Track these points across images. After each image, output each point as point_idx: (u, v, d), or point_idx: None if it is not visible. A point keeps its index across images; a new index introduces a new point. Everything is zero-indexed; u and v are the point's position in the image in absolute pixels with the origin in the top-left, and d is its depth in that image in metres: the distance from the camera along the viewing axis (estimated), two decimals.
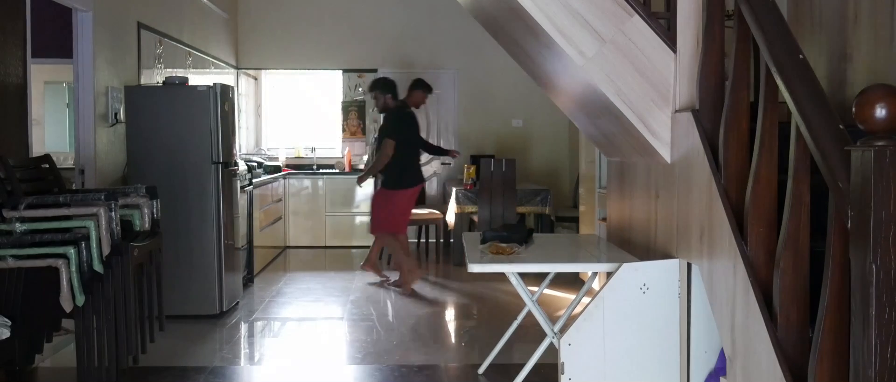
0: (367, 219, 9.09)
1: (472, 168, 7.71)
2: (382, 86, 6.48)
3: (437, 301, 6.24)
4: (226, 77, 8.66)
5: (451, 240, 7.99)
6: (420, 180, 6.53)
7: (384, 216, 6.48)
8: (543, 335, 3.74)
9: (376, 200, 6.61)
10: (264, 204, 7.54)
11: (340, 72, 9.52)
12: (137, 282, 4.12)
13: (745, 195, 2.53)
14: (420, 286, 6.73)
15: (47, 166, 4.32)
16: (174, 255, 5.21)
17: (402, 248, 6.50)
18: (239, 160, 6.32)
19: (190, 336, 5.03)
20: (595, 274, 4.42)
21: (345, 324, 5.47)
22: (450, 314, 5.88)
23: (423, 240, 8.76)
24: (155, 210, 4.33)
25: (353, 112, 9.57)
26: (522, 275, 3.61)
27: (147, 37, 6.22)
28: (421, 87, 6.97)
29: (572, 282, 6.44)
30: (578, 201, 7.44)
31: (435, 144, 8.24)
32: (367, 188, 9.05)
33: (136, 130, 5.43)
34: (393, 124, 6.40)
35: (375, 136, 7.26)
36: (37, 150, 5.03)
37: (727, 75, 2.80)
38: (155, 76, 6.35)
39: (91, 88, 5.26)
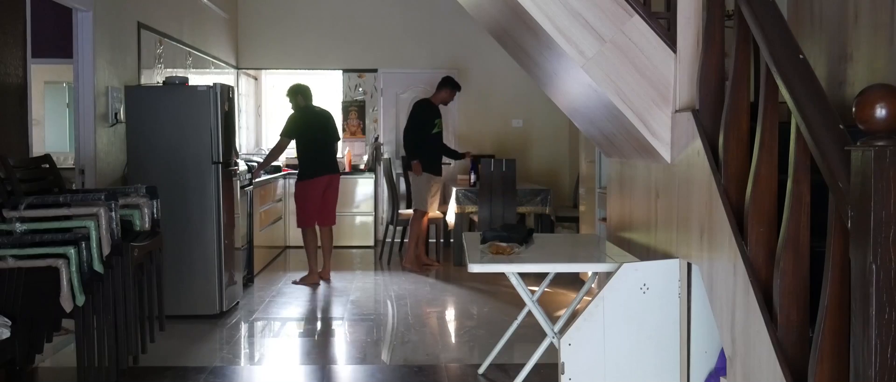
0: (368, 219, 9.14)
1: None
2: (294, 90, 6.86)
3: (437, 301, 6.24)
4: (226, 77, 8.66)
5: (451, 240, 7.99)
6: (322, 172, 6.78)
7: (297, 208, 6.86)
8: (543, 335, 3.74)
9: (295, 195, 6.93)
10: (264, 204, 7.54)
11: (340, 72, 9.52)
12: (137, 282, 4.11)
13: (745, 195, 2.53)
14: (421, 286, 6.73)
15: (47, 166, 4.32)
16: (174, 255, 5.20)
17: (313, 242, 6.83)
18: (239, 160, 6.32)
19: (190, 335, 5.03)
20: (595, 274, 4.42)
21: (345, 324, 5.47)
22: (450, 314, 5.88)
23: (425, 240, 8.74)
24: (155, 210, 4.33)
25: (354, 112, 9.57)
26: (522, 275, 3.61)
27: (147, 37, 6.22)
28: (448, 85, 7.43)
29: (572, 282, 6.44)
30: (578, 201, 7.44)
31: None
32: (366, 188, 9.12)
33: (136, 130, 5.43)
34: (291, 124, 6.79)
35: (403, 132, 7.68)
36: (37, 150, 5.03)
37: (727, 75, 2.80)
38: (155, 76, 6.35)
39: (91, 88, 5.26)
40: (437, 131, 7.39)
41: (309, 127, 6.76)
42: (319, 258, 6.94)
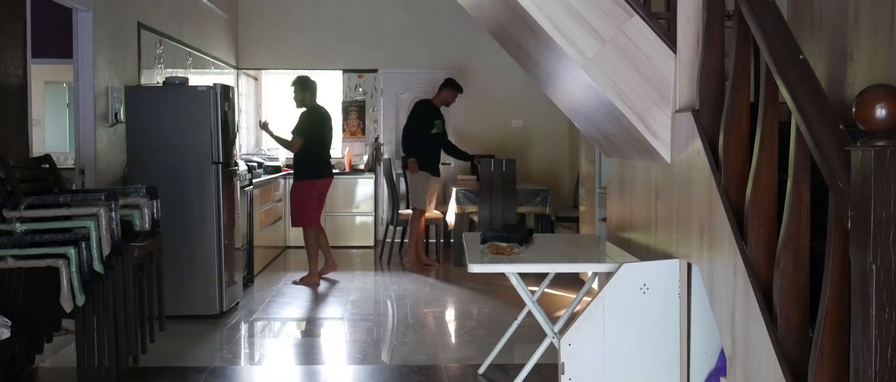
0: (368, 219, 9.14)
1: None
2: (302, 83, 6.84)
3: (437, 301, 6.24)
4: (226, 77, 8.66)
5: (451, 240, 7.99)
6: (327, 173, 6.91)
7: (297, 208, 6.84)
8: (543, 335, 3.74)
9: (291, 194, 6.96)
10: (264, 204, 7.54)
11: (340, 72, 9.52)
12: (137, 282, 4.11)
13: (745, 195, 2.53)
14: (421, 286, 6.73)
15: (47, 166, 4.31)
16: (174, 255, 5.20)
17: (315, 243, 6.87)
18: (239, 160, 6.32)
19: (190, 335, 5.03)
20: (595, 274, 4.41)
21: (345, 324, 5.47)
22: (450, 315, 5.88)
23: (423, 240, 8.75)
24: (155, 210, 4.33)
25: (353, 112, 9.57)
26: (522, 275, 3.60)
27: (147, 37, 6.22)
28: (450, 86, 7.49)
29: (572, 282, 6.44)
30: (578, 201, 7.44)
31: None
32: (366, 188, 9.12)
33: (136, 130, 5.43)
34: (305, 123, 6.76)
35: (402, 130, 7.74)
36: (37, 150, 5.03)
37: (727, 75, 2.80)
38: (155, 76, 6.35)
39: (91, 88, 5.26)
40: (437, 132, 7.41)
41: (317, 127, 6.81)
42: (320, 258, 6.97)
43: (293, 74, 9.48)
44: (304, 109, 6.77)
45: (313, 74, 9.24)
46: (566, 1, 3.25)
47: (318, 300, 6.29)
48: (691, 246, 3.00)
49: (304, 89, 6.79)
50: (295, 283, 6.80)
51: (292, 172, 6.96)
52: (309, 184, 6.77)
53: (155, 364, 4.32)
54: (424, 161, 7.37)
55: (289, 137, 6.74)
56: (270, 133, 6.86)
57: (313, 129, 6.75)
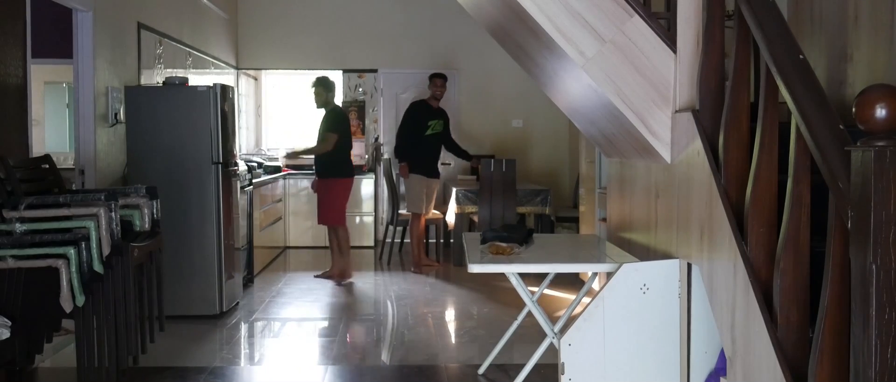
0: (368, 219, 9.14)
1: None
2: (325, 84, 6.92)
3: (437, 301, 6.24)
4: (226, 77, 8.66)
5: (452, 240, 7.99)
6: (353, 172, 7.10)
7: (329, 206, 6.89)
8: (543, 335, 3.74)
9: (321, 192, 6.97)
10: (264, 204, 7.54)
11: (340, 72, 9.51)
12: (137, 282, 4.11)
13: (745, 195, 2.53)
14: (421, 286, 6.73)
15: (47, 166, 4.31)
16: (174, 255, 5.20)
17: (339, 243, 6.92)
18: (239, 160, 6.32)
19: (190, 336, 5.03)
20: (595, 274, 4.42)
21: (345, 324, 5.47)
22: (450, 315, 5.88)
23: (423, 240, 8.74)
24: (155, 210, 4.33)
25: (353, 112, 9.56)
26: (522, 275, 3.61)
27: (147, 37, 6.22)
28: (433, 77, 7.46)
29: (572, 282, 6.44)
30: (578, 201, 7.44)
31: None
32: (366, 188, 9.12)
33: (136, 130, 5.43)
34: (335, 121, 6.87)
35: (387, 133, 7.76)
36: (37, 150, 5.03)
37: (727, 75, 2.80)
38: (155, 76, 6.35)
39: (91, 88, 5.26)
40: (433, 132, 7.35)
41: (345, 126, 6.93)
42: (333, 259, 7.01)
43: (293, 74, 9.56)
44: (328, 109, 6.88)
45: (313, 74, 9.28)
46: (566, 1, 3.26)
47: (317, 300, 6.29)
48: (691, 246, 3.00)
49: (328, 90, 6.90)
50: (322, 278, 6.98)
51: (316, 170, 6.94)
52: (342, 182, 6.86)
53: (155, 364, 4.32)
54: (419, 163, 7.31)
55: (307, 146, 6.96)
56: (301, 153, 7.07)
57: (341, 127, 6.87)
